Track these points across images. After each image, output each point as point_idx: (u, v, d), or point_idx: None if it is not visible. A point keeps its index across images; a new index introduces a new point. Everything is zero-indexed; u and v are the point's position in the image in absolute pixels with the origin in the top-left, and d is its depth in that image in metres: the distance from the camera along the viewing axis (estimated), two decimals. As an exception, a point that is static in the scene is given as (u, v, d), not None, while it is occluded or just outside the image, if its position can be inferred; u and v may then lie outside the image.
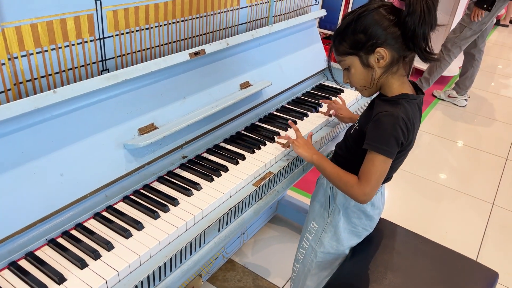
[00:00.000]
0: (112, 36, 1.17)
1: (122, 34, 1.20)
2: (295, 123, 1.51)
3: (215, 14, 1.49)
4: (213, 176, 1.21)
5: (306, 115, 1.62)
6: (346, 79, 1.21)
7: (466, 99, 3.98)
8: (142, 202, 1.10)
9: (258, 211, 1.24)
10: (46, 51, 1.03)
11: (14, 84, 1.00)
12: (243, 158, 1.31)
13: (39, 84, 1.05)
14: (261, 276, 1.97)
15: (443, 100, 4.07)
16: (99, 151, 1.08)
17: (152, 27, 1.27)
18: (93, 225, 1.02)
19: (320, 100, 1.70)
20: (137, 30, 1.23)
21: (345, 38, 1.13)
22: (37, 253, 0.94)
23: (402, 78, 1.16)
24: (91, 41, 1.12)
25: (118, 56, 1.21)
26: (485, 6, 3.29)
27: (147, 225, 1.02)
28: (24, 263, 0.91)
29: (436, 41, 4.04)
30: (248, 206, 1.20)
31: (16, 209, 0.91)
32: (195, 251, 1.04)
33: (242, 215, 1.18)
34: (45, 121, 0.99)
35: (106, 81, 1.08)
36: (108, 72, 1.19)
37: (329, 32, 4.04)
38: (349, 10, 3.70)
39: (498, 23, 7.05)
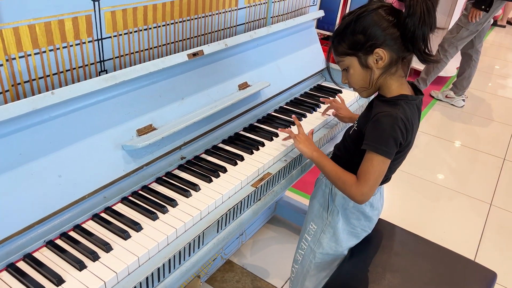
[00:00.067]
0: (110, 37, 1.17)
1: (121, 35, 1.19)
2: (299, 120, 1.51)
3: (213, 15, 1.49)
4: (211, 177, 1.21)
5: (305, 116, 1.62)
6: (344, 80, 1.21)
7: (463, 100, 3.99)
8: (140, 203, 1.10)
9: (257, 212, 1.23)
10: (44, 52, 1.03)
11: (12, 85, 0.99)
12: (242, 159, 1.31)
13: (37, 85, 1.05)
14: (260, 277, 1.97)
15: (440, 100, 4.08)
16: (97, 152, 1.08)
17: (150, 28, 1.27)
18: (92, 226, 1.02)
19: (321, 99, 1.70)
20: (136, 31, 1.23)
21: (344, 39, 1.13)
22: (35, 254, 0.93)
23: (400, 79, 1.16)
24: (89, 42, 1.12)
25: (116, 57, 1.21)
26: (483, 7, 3.30)
27: (146, 226, 1.02)
28: (22, 265, 0.91)
29: (433, 41, 4.04)
30: (247, 207, 1.20)
31: (14, 211, 0.91)
32: (193, 252, 1.04)
33: (241, 216, 1.18)
34: (43, 122, 0.98)
35: (104, 82, 1.07)
36: (107, 73, 1.19)
37: (327, 33, 4.05)
38: (347, 11, 3.70)
39: (495, 24, 7.07)
